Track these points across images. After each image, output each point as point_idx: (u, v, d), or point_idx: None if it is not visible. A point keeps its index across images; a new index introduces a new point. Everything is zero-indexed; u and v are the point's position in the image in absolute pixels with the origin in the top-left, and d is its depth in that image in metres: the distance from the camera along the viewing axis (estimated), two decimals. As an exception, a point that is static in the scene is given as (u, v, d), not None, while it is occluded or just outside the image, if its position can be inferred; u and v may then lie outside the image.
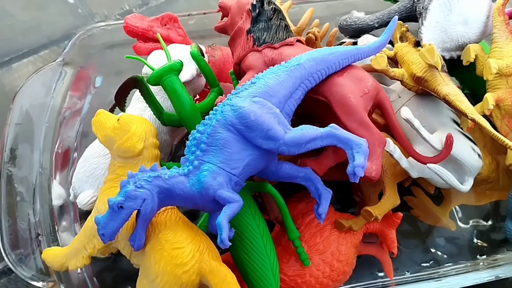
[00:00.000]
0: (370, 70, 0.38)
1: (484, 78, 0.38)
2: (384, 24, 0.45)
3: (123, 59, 0.40)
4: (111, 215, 0.29)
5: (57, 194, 0.42)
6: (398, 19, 0.43)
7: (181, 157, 0.32)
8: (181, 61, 0.37)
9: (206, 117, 0.32)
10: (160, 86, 0.37)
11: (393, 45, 0.44)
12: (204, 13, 0.50)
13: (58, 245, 0.39)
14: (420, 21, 0.41)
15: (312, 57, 0.34)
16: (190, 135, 0.32)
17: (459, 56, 0.41)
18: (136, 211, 0.30)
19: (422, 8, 0.40)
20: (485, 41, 0.43)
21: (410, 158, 0.36)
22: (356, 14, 0.47)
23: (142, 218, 0.30)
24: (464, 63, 0.39)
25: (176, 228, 0.31)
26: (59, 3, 0.62)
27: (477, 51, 0.39)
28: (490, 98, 0.36)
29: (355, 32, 0.47)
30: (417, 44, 0.42)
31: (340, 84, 0.34)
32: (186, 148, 0.32)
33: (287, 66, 0.34)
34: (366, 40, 0.43)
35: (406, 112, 0.35)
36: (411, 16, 0.44)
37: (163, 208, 0.33)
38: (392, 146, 0.35)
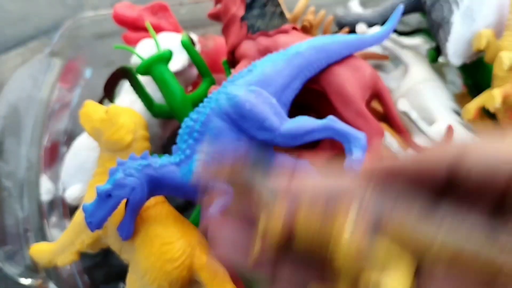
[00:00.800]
0: (368, 57, 0.37)
1: (494, 73, 0.35)
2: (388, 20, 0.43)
3: (113, 49, 0.39)
4: (99, 203, 0.28)
5: (46, 188, 0.41)
6: (403, 13, 0.42)
7: (173, 146, 0.31)
8: (170, 50, 0.35)
9: (200, 104, 0.31)
10: (151, 77, 0.35)
11: (399, 34, 0.43)
12: (197, 2, 0.49)
13: (47, 241, 0.38)
14: (441, 34, 0.38)
15: (312, 46, 0.33)
16: (182, 123, 0.31)
17: None
18: (125, 200, 0.29)
19: (442, 19, 0.38)
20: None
21: (409, 150, 0.35)
22: (354, 9, 0.45)
23: (131, 207, 0.29)
24: (474, 49, 0.37)
25: (167, 223, 0.30)
26: (48, -7, 0.60)
27: (489, 37, 0.36)
28: (497, 95, 0.34)
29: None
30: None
31: (337, 74, 0.33)
32: (178, 137, 0.31)
33: (286, 54, 0.32)
34: (364, 28, 0.42)
35: (403, 104, 0.34)
36: (416, 8, 0.42)
37: (154, 203, 0.31)
38: (389, 139, 0.34)
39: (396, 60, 0.44)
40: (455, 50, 0.38)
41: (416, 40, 0.44)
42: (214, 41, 0.45)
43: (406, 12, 0.42)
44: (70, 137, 0.46)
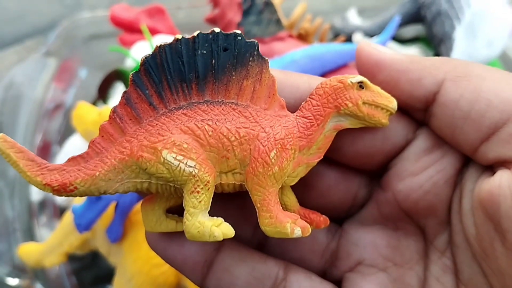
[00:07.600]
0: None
1: None
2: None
3: (109, 51, 0.38)
4: (88, 205, 0.28)
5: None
6: (401, 25, 0.42)
7: None
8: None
9: None
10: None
11: (396, 42, 0.43)
12: (194, 6, 0.49)
13: (36, 241, 0.38)
14: (442, 49, 0.38)
15: (307, 54, 0.33)
16: None
17: None
18: (115, 203, 0.29)
19: (443, 34, 0.38)
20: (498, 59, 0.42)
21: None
22: (351, 20, 0.45)
23: (120, 210, 0.29)
24: None
25: (155, 227, 0.30)
26: (46, -8, 0.60)
27: None
28: None
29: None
30: None
31: None
32: None
33: (281, 62, 0.33)
34: (361, 37, 0.42)
35: None
36: (415, 20, 0.42)
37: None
38: None
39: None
40: None
41: (413, 49, 0.44)
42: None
43: (404, 23, 0.42)
44: (63, 137, 0.46)
